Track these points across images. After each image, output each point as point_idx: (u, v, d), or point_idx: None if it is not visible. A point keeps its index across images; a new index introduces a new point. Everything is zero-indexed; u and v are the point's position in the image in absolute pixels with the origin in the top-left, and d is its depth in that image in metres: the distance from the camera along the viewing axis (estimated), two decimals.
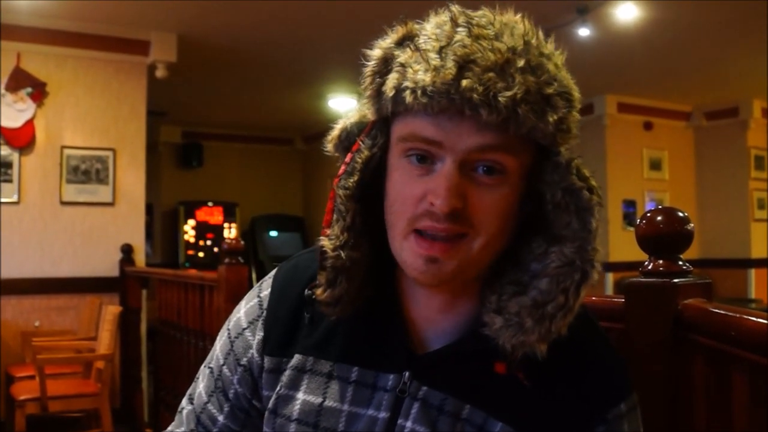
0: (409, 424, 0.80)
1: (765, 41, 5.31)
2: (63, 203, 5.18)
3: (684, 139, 8.50)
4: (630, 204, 7.89)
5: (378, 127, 0.82)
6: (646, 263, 1.14)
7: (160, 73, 5.41)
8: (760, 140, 8.02)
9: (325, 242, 0.82)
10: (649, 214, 1.14)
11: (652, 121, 8.11)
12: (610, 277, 7.34)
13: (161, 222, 9.21)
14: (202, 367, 0.99)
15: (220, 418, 0.93)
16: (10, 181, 5.01)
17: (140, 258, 5.39)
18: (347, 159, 0.83)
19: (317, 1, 4.80)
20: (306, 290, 0.86)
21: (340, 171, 0.83)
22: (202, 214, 9.20)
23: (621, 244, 7.14)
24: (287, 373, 0.87)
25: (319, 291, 0.82)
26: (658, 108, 8.11)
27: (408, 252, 0.77)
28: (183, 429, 0.96)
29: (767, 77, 6.21)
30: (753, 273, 8.01)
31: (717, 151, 8.36)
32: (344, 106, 7.54)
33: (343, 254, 0.81)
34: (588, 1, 4.83)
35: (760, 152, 8.10)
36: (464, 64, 0.72)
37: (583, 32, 5.04)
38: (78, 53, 5.24)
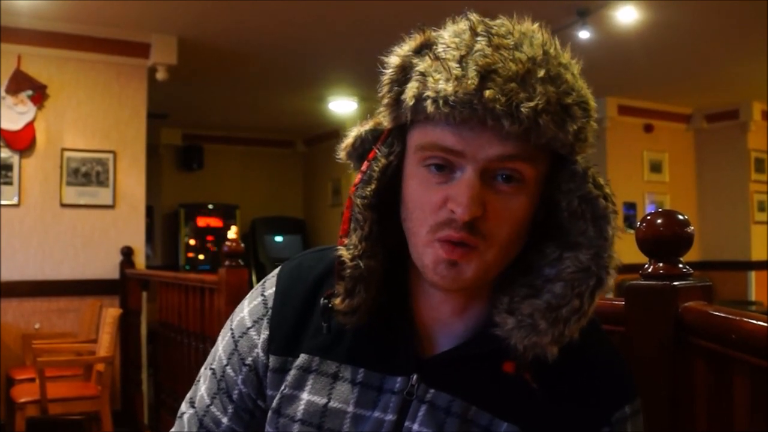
0: (416, 426, 0.81)
1: (765, 44, 5.32)
2: (63, 206, 5.18)
3: (684, 141, 8.50)
4: (630, 206, 7.89)
5: (394, 135, 0.82)
6: (647, 266, 1.14)
7: (160, 75, 5.41)
8: (760, 143, 8.02)
9: (343, 252, 0.81)
10: (649, 217, 1.14)
11: (653, 124, 8.11)
12: (615, 273, 7.33)
13: (162, 224, 9.22)
14: (202, 369, 0.97)
15: (224, 420, 0.92)
16: (10, 183, 5.01)
17: (140, 260, 5.39)
18: (363, 167, 0.83)
19: (318, 3, 4.80)
20: (323, 299, 0.85)
21: (357, 180, 0.83)
22: (202, 221, 9.21)
23: (621, 247, 7.06)
24: (292, 372, 0.87)
25: (337, 301, 0.82)
26: (659, 110, 8.12)
27: (429, 257, 0.77)
28: None
29: (767, 80, 6.22)
30: (753, 275, 8.01)
31: (717, 153, 8.37)
32: (345, 108, 7.55)
33: (361, 263, 0.81)
34: (589, 2, 4.84)
35: (761, 155, 8.10)
36: (486, 74, 0.71)
37: (584, 35, 5.04)
38: (78, 56, 5.24)
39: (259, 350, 0.90)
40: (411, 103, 0.75)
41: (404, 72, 0.78)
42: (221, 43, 5.71)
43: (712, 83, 7.19)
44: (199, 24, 5.24)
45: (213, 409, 0.93)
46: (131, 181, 5.39)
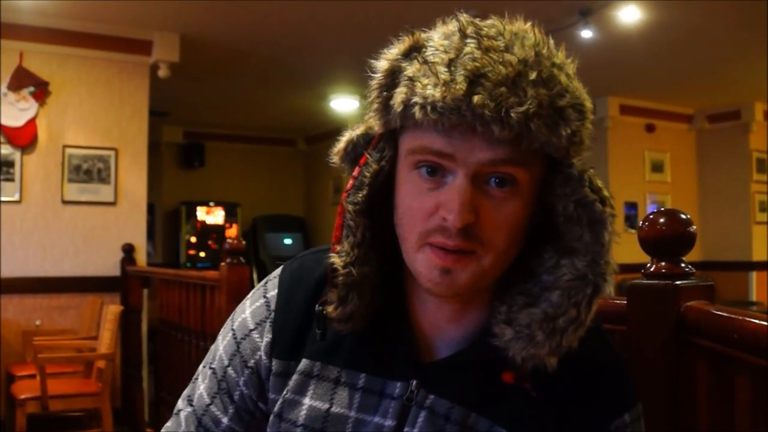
0: None
1: (767, 44, 5.31)
2: (65, 202, 5.18)
3: (686, 141, 8.49)
4: (632, 206, 7.89)
5: (385, 140, 0.81)
6: (649, 265, 1.14)
7: (162, 73, 5.41)
8: (761, 143, 8.01)
9: (336, 259, 0.80)
10: (651, 216, 1.14)
11: (654, 124, 8.11)
12: (613, 279, 7.33)
13: (163, 222, 9.22)
14: (200, 367, 0.97)
15: (224, 420, 0.91)
16: (12, 180, 5.02)
17: (141, 257, 5.39)
18: (355, 173, 0.82)
19: (320, 2, 4.80)
20: (317, 306, 0.84)
21: (348, 186, 0.81)
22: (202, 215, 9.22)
23: (623, 246, 6.97)
24: (294, 377, 0.86)
25: (330, 308, 0.81)
26: (660, 110, 8.11)
27: (422, 263, 0.76)
28: (183, 431, 0.93)
29: None
30: (754, 275, 8.01)
31: (719, 153, 8.36)
32: (346, 107, 7.55)
33: (354, 271, 0.80)
34: (591, 2, 4.83)
35: (762, 155, 8.09)
36: (475, 79, 0.69)
37: (586, 34, 5.04)
38: (80, 53, 5.24)
39: (262, 353, 0.89)
40: (399, 109, 0.74)
41: (393, 76, 0.76)
42: (223, 41, 5.71)
43: (714, 84, 7.19)
44: (201, 22, 5.24)
45: (213, 408, 0.92)
46: (133, 179, 5.39)
